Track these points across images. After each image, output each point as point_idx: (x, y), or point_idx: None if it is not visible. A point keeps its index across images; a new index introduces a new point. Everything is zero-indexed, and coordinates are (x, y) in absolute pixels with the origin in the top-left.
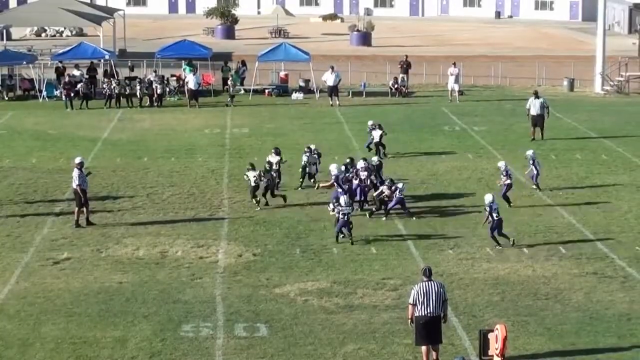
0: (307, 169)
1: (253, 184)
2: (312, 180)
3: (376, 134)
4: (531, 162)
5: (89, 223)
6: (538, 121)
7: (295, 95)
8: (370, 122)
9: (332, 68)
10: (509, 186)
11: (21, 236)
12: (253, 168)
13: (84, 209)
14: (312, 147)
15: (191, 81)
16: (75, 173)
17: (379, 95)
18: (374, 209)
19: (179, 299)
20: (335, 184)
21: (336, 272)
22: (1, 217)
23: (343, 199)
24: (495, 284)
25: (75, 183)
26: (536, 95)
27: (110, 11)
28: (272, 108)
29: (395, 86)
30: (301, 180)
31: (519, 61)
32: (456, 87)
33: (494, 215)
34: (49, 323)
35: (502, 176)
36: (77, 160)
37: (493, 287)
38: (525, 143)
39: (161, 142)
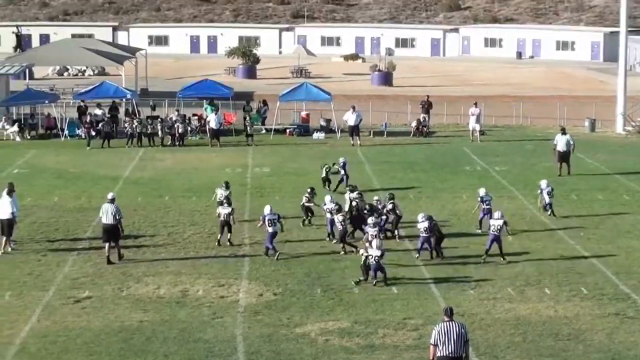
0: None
1: (223, 217)
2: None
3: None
4: (542, 192)
5: (120, 257)
6: (564, 157)
7: (316, 135)
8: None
9: (354, 108)
10: (489, 211)
11: (42, 274)
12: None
13: (115, 245)
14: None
15: (213, 120)
16: (110, 208)
17: (400, 135)
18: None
19: (199, 338)
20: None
21: (357, 311)
22: (23, 255)
23: (375, 243)
24: (517, 324)
25: (108, 218)
26: (563, 131)
27: (132, 50)
28: (293, 147)
29: (418, 126)
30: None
31: (540, 101)
32: (477, 127)
33: None
34: None
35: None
36: (110, 196)
37: (514, 327)
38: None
39: (182, 181)
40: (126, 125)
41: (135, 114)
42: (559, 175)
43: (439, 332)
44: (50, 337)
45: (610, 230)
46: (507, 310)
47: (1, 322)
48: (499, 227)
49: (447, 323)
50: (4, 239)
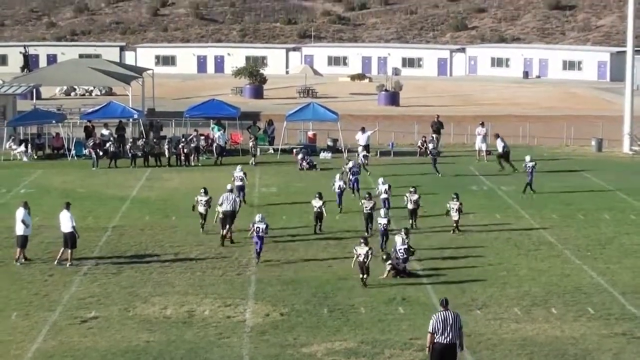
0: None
1: (221, 215)
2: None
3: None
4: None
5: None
6: (505, 157)
7: (323, 155)
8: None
9: (363, 129)
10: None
11: (49, 295)
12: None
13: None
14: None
15: (219, 138)
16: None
17: (407, 155)
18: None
19: (206, 358)
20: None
21: (364, 331)
22: (30, 275)
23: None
24: (523, 344)
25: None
26: (497, 136)
27: (139, 71)
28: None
29: (424, 146)
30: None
31: (547, 121)
32: (484, 147)
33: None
34: None
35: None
36: None
37: (521, 347)
38: (552, 203)
39: (189, 200)
40: (129, 145)
41: (143, 134)
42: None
43: (436, 321)
44: (56, 358)
45: (617, 250)
46: (514, 330)
47: (8, 342)
48: (531, 166)
49: (444, 312)
50: (69, 251)
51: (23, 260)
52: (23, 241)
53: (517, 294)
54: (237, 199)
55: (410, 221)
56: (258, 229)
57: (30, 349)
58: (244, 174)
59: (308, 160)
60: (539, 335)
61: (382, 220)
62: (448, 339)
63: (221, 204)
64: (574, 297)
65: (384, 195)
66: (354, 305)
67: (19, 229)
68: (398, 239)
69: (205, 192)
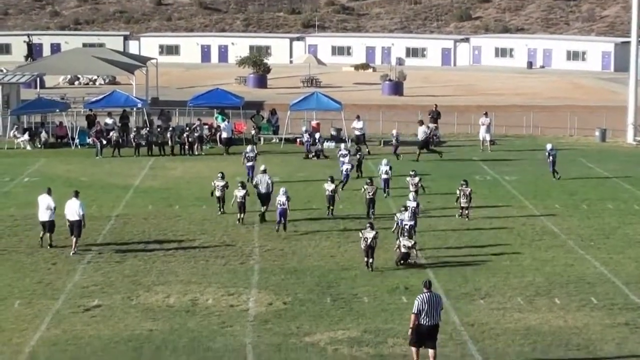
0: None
1: (239, 199)
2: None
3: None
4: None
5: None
6: (424, 145)
7: (326, 144)
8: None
9: (358, 117)
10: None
11: (52, 283)
12: (243, 187)
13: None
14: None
15: (224, 129)
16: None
17: (411, 145)
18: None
19: (209, 347)
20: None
21: (367, 321)
22: (33, 263)
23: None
24: (527, 334)
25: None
26: (421, 123)
27: (143, 60)
28: (303, 156)
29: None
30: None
31: (550, 111)
32: (488, 137)
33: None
34: None
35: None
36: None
37: (524, 337)
38: (556, 193)
39: (193, 190)
40: (133, 133)
41: (146, 123)
42: (416, 161)
43: (421, 302)
44: (59, 346)
45: (620, 240)
46: (517, 320)
47: (11, 330)
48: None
49: (427, 294)
50: (74, 239)
51: (49, 246)
52: (50, 226)
53: (521, 284)
54: (270, 180)
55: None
56: (280, 201)
57: (33, 337)
58: (255, 153)
59: (316, 141)
60: (542, 325)
61: (411, 204)
62: (432, 320)
63: (255, 185)
64: (577, 287)
65: (384, 176)
66: (357, 295)
67: (44, 215)
68: (405, 215)
69: (222, 177)
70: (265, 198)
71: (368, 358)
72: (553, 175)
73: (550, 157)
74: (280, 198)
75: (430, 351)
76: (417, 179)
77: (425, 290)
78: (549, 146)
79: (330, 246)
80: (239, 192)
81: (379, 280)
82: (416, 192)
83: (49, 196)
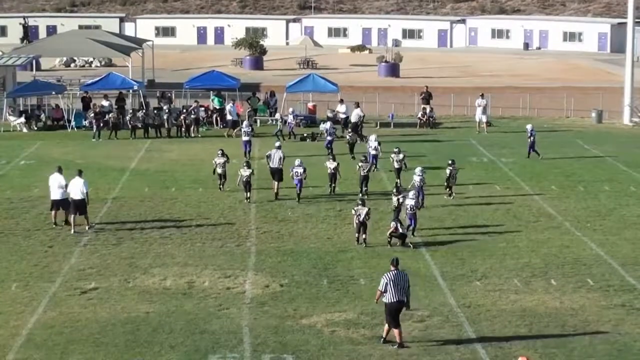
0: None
1: (245, 179)
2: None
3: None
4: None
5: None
6: (354, 128)
7: (323, 126)
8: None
9: (341, 101)
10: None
11: (49, 266)
12: (248, 166)
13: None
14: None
15: (230, 112)
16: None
17: (407, 126)
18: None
19: (206, 329)
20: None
21: (363, 303)
22: (29, 246)
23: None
24: (523, 315)
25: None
26: (357, 105)
27: (139, 42)
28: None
29: (423, 117)
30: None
31: (547, 92)
32: (484, 119)
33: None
34: (76, 353)
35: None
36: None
37: (520, 318)
38: (552, 174)
39: (189, 172)
40: (129, 115)
41: (142, 105)
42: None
43: (389, 280)
44: (56, 328)
45: (616, 222)
46: (513, 301)
47: (8, 313)
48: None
49: (394, 272)
50: (72, 217)
51: (64, 223)
52: (65, 204)
53: (517, 266)
54: (282, 154)
55: (397, 180)
56: (297, 172)
57: (30, 320)
58: (252, 128)
59: (298, 121)
60: (538, 307)
61: (417, 178)
62: (398, 297)
63: (267, 157)
64: (573, 268)
65: (373, 152)
66: (354, 277)
67: (56, 194)
68: (409, 202)
69: (222, 154)
70: (276, 172)
71: (364, 340)
72: (528, 155)
73: (532, 138)
74: (297, 169)
75: (395, 331)
76: (401, 156)
77: (392, 268)
78: (529, 127)
79: (327, 228)
80: (245, 172)
81: (375, 262)
82: (399, 169)
83: (60, 174)
